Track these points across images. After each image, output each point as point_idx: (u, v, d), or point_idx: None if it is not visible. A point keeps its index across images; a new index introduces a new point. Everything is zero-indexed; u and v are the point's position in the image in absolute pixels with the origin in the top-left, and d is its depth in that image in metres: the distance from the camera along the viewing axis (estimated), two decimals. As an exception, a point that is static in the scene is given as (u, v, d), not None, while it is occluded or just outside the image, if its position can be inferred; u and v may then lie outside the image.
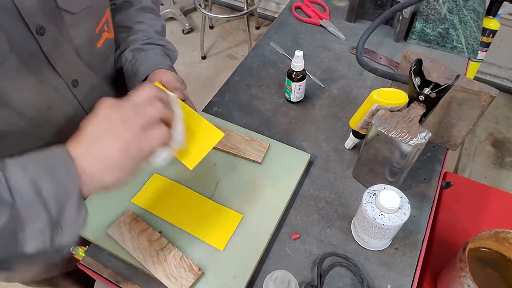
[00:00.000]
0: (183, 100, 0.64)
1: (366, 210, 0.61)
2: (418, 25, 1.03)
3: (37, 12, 0.51)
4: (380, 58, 1.01)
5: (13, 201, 0.39)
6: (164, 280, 0.60)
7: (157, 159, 0.50)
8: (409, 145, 0.61)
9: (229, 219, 0.68)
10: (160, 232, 0.67)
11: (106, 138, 0.44)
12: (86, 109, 0.67)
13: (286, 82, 0.88)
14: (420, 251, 0.67)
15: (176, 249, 0.64)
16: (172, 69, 0.71)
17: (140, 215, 0.69)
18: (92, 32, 0.63)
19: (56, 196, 0.41)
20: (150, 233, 0.66)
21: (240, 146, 0.78)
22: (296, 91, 0.88)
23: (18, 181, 0.40)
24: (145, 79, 0.68)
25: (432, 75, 0.68)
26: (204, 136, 0.57)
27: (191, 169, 0.54)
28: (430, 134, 0.61)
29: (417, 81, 0.66)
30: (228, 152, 0.78)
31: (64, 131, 0.65)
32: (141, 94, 0.47)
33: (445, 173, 1.17)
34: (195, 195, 0.72)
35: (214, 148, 0.77)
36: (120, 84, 0.77)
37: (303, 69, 0.85)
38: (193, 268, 0.62)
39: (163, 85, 0.64)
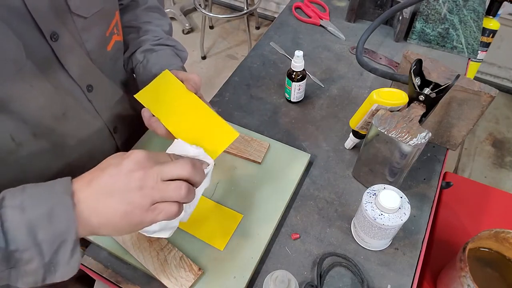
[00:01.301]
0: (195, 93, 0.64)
1: (366, 210, 0.61)
2: (418, 25, 1.03)
3: (50, 17, 0.51)
4: (380, 58, 1.02)
5: (6, 245, 0.38)
6: (164, 280, 0.60)
7: (156, 233, 0.49)
8: (409, 145, 0.61)
9: (229, 219, 0.68)
10: (160, 232, 0.67)
11: (116, 196, 0.42)
12: (101, 115, 0.68)
13: (286, 82, 0.88)
14: (420, 251, 0.67)
15: (176, 249, 0.64)
16: (183, 69, 0.71)
17: None
18: (103, 36, 0.63)
19: (52, 241, 0.40)
20: None
21: (240, 146, 0.78)
22: (296, 91, 0.88)
23: (14, 226, 0.39)
24: None
25: (432, 75, 0.68)
26: (220, 135, 0.58)
27: (212, 162, 0.55)
28: (430, 134, 0.61)
29: (417, 81, 0.66)
30: (228, 152, 0.78)
31: (79, 137, 0.65)
32: (174, 171, 0.44)
33: (445, 173, 1.17)
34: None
35: None
36: (130, 87, 0.77)
37: (303, 69, 0.85)
38: (193, 268, 0.62)
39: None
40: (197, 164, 0.47)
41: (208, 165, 0.51)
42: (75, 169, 0.65)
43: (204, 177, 0.48)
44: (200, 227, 0.67)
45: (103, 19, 0.62)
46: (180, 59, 0.75)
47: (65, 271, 0.42)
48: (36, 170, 0.61)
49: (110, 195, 0.42)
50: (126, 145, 0.79)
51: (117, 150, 0.79)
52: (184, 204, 0.46)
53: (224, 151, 0.78)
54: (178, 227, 0.67)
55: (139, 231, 0.47)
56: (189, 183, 0.45)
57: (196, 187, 0.47)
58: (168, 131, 0.59)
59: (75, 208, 0.41)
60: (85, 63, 0.61)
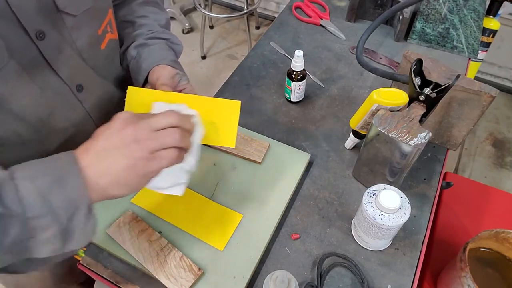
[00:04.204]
0: (182, 90, 0.64)
1: (366, 210, 0.61)
2: (418, 25, 1.03)
3: (36, 16, 0.50)
4: (380, 58, 1.01)
5: (23, 212, 0.40)
6: (164, 280, 0.60)
7: (170, 188, 0.52)
8: (409, 145, 0.60)
9: (229, 219, 0.68)
10: (160, 232, 0.67)
11: (116, 154, 0.44)
12: (91, 114, 0.67)
13: (286, 82, 0.88)
14: (420, 251, 0.67)
15: (176, 249, 0.64)
16: (175, 63, 0.70)
17: (140, 215, 0.69)
18: (95, 34, 0.62)
19: (66, 207, 0.42)
20: (150, 233, 0.66)
21: (240, 146, 0.78)
22: (296, 91, 0.87)
23: (28, 193, 0.40)
24: (147, 76, 0.68)
25: (433, 75, 0.68)
26: (225, 112, 0.58)
27: (233, 147, 0.58)
28: (430, 134, 0.61)
29: (417, 81, 0.66)
30: (228, 152, 0.78)
31: (67, 137, 0.64)
32: (162, 120, 0.47)
33: (445, 173, 1.17)
34: (195, 195, 0.72)
35: (214, 148, 0.78)
36: (127, 85, 0.76)
37: (303, 69, 0.85)
38: (193, 268, 0.61)
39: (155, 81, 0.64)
40: (182, 113, 0.49)
41: (194, 116, 0.53)
42: None
43: (192, 124, 0.51)
44: (200, 227, 0.67)
45: (94, 17, 0.61)
46: (174, 52, 0.74)
47: (81, 238, 0.44)
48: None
49: (110, 155, 0.44)
50: None
51: None
52: (186, 154, 0.49)
53: (224, 151, 0.78)
54: (178, 227, 0.67)
55: (152, 188, 0.50)
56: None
57: (189, 134, 0.50)
58: None
59: (82, 174, 0.43)
60: (75, 62, 0.59)
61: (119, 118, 0.46)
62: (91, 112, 0.67)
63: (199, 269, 0.61)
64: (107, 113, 0.72)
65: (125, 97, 0.77)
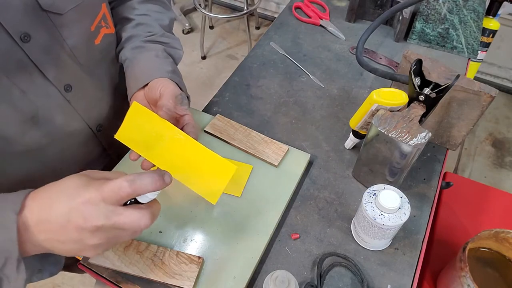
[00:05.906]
0: (182, 116, 0.62)
1: (366, 210, 0.61)
2: (418, 25, 1.03)
3: (21, 18, 0.49)
4: (380, 58, 1.02)
5: None
6: (169, 281, 0.59)
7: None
8: (409, 145, 0.61)
9: (222, 170, 0.58)
10: (160, 232, 0.66)
11: (66, 244, 0.42)
12: (80, 113, 0.66)
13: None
14: (420, 251, 0.67)
15: (169, 249, 0.63)
16: (173, 74, 0.66)
17: None
18: (87, 30, 0.61)
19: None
20: (136, 245, 0.63)
21: (258, 147, 0.77)
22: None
23: None
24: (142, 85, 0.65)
25: (432, 75, 0.68)
26: (219, 170, 0.56)
27: (214, 203, 0.57)
28: (430, 134, 0.61)
29: (417, 81, 0.66)
30: (246, 152, 0.77)
31: (55, 140, 0.63)
32: (132, 224, 0.43)
33: (445, 173, 1.17)
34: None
35: (230, 144, 0.77)
36: (123, 81, 0.75)
37: None
38: (192, 259, 0.61)
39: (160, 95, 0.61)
40: (154, 211, 0.46)
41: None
42: (58, 171, 0.62)
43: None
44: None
45: (85, 13, 0.59)
46: (173, 59, 0.70)
47: (16, 284, 0.42)
48: (12, 175, 0.60)
49: (61, 242, 0.42)
50: (113, 144, 0.74)
51: (103, 150, 0.77)
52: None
53: (242, 150, 0.77)
54: (179, 227, 0.67)
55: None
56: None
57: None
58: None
59: (19, 228, 0.40)
60: (64, 62, 0.58)
61: (85, 214, 0.41)
62: (81, 111, 0.65)
63: (199, 257, 0.61)
64: (100, 112, 0.71)
65: (119, 92, 0.75)
